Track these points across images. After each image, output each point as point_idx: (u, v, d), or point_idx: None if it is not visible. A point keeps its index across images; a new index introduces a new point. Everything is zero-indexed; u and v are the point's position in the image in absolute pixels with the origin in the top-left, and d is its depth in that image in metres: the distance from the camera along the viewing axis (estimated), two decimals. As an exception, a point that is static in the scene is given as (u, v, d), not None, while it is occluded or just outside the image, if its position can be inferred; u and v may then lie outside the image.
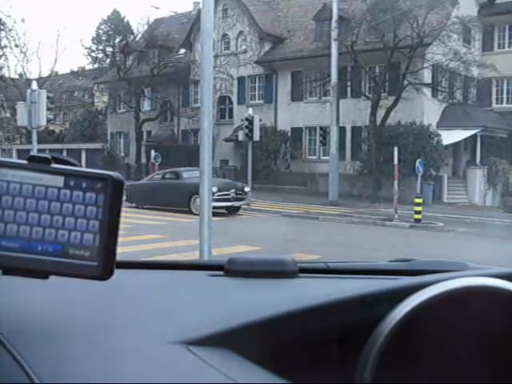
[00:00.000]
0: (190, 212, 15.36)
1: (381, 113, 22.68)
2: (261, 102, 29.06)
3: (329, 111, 23.26)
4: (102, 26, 47.13)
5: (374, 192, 22.13)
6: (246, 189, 17.35)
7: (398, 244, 11.38)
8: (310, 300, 0.82)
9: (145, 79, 31.26)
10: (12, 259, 0.63)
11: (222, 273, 1.06)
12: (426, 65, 22.85)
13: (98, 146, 36.41)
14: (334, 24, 22.46)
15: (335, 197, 21.45)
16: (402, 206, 15.94)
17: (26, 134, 34.06)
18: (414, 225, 14.87)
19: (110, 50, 45.45)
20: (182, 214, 15.55)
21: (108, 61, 45.19)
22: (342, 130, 23.84)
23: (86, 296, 0.82)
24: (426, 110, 24.21)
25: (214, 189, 15.63)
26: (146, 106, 33.99)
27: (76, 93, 48.89)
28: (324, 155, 25.67)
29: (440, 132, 23.78)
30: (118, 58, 36.91)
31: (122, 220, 0.65)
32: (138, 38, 39.60)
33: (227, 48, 30.15)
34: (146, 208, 16.99)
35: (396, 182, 15.84)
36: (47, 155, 0.65)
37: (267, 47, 28.99)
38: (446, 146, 24.00)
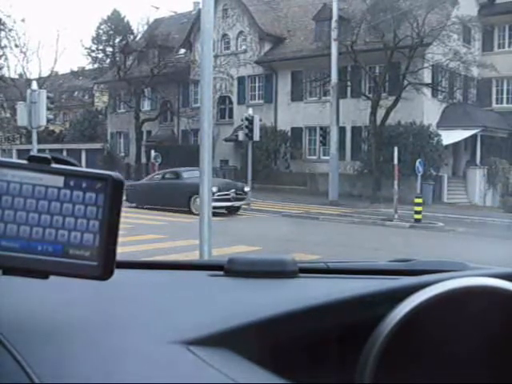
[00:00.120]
0: (190, 212, 15.36)
1: (381, 113, 22.68)
2: (261, 101, 29.06)
3: (329, 111, 23.26)
4: (102, 26, 47.15)
5: (374, 192, 22.13)
6: (246, 189, 17.33)
7: (397, 244, 11.39)
8: (310, 300, 0.82)
9: (145, 79, 31.27)
10: (12, 259, 0.63)
11: (221, 273, 1.06)
12: (425, 65, 22.85)
13: (98, 146, 36.41)
14: (333, 24, 22.46)
15: (335, 197, 21.46)
16: (402, 206, 15.94)
17: (26, 134, 34.07)
18: (414, 225, 14.88)
19: (110, 50, 45.48)
20: (181, 214, 15.55)
21: (108, 61, 45.21)
22: (342, 130, 23.84)
23: (86, 296, 0.82)
24: (426, 109, 24.21)
25: (214, 189, 15.62)
26: (146, 105, 34.01)
27: (76, 93, 48.88)
28: (324, 155, 25.67)
29: (440, 132, 23.79)
30: (117, 58, 36.95)
31: (121, 220, 0.65)
32: (138, 38, 39.63)
33: (227, 48, 30.15)
34: (146, 208, 16.99)
35: (396, 182, 15.84)
36: (47, 155, 0.65)
37: (267, 47, 28.99)
38: (446, 146, 24.01)
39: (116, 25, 46.56)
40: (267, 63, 28.65)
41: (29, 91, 12.15)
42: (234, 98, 30.11)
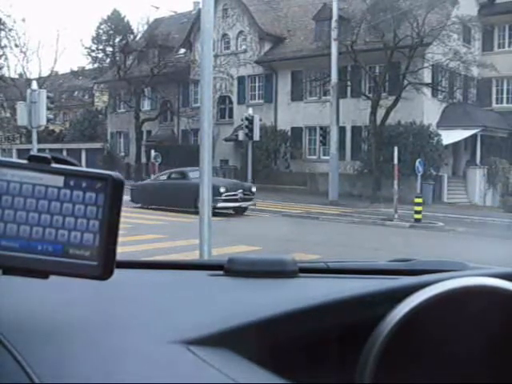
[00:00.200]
0: (197, 213, 15.23)
1: (381, 112, 22.68)
2: (261, 101, 29.06)
3: (329, 111, 23.26)
4: (102, 26, 47.16)
5: (374, 192, 22.14)
6: (254, 189, 17.05)
7: (397, 244, 11.38)
8: (309, 300, 0.82)
9: (145, 79, 31.27)
10: (12, 259, 0.63)
11: (221, 272, 1.05)
12: (425, 65, 22.86)
13: (97, 145, 36.42)
14: (333, 24, 22.46)
15: (335, 197, 21.46)
16: (402, 206, 15.94)
17: (26, 133, 34.09)
18: (414, 224, 14.88)
19: (110, 49, 45.48)
20: (187, 215, 15.49)
21: (108, 61, 45.22)
22: (341, 130, 23.84)
23: (86, 296, 0.82)
24: (426, 109, 24.21)
25: (222, 189, 15.63)
26: (145, 105, 34.01)
27: (76, 92, 48.89)
28: (324, 155, 25.67)
29: (440, 132, 23.79)
30: (117, 58, 36.95)
31: (122, 220, 0.65)
32: (137, 38, 39.64)
33: (227, 48, 30.15)
34: (151, 208, 16.85)
35: (396, 182, 15.84)
36: (47, 155, 0.65)
37: (267, 47, 28.99)
38: (446, 146, 24.01)
39: (116, 24, 46.57)
40: (267, 63, 28.65)
41: (29, 91, 12.15)
42: (234, 98, 30.11)
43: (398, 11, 21.26)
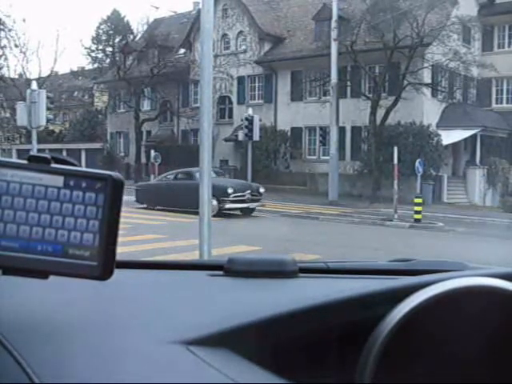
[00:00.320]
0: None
1: (381, 113, 22.68)
2: (261, 101, 29.07)
3: (328, 111, 23.26)
4: (102, 26, 47.18)
5: (374, 192, 22.14)
6: (261, 190, 16.86)
7: (397, 244, 11.38)
8: (309, 300, 0.82)
9: (145, 79, 31.27)
10: (12, 259, 0.63)
11: (221, 273, 1.05)
12: (425, 65, 22.86)
13: (97, 145, 36.43)
14: (333, 24, 22.47)
15: (335, 197, 21.46)
16: (402, 206, 15.94)
17: (26, 133, 34.06)
18: (414, 225, 14.88)
19: (110, 49, 45.51)
20: (193, 215, 15.43)
21: (108, 61, 45.24)
22: (341, 130, 23.85)
23: (85, 296, 0.82)
24: (426, 109, 24.22)
25: (230, 190, 15.58)
26: (145, 105, 34.01)
27: (76, 93, 48.88)
28: (324, 155, 25.67)
29: (440, 132, 23.79)
30: (117, 58, 36.97)
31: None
32: (137, 38, 39.65)
33: (227, 48, 30.15)
34: (157, 209, 16.68)
35: (396, 182, 15.84)
36: (47, 155, 0.65)
37: (267, 47, 29.00)
38: (446, 146, 24.01)
39: (116, 25, 46.60)
40: (267, 63, 28.65)
41: (29, 91, 12.14)
42: (234, 98, 30.11)
43: (398, 11, 21.26)
